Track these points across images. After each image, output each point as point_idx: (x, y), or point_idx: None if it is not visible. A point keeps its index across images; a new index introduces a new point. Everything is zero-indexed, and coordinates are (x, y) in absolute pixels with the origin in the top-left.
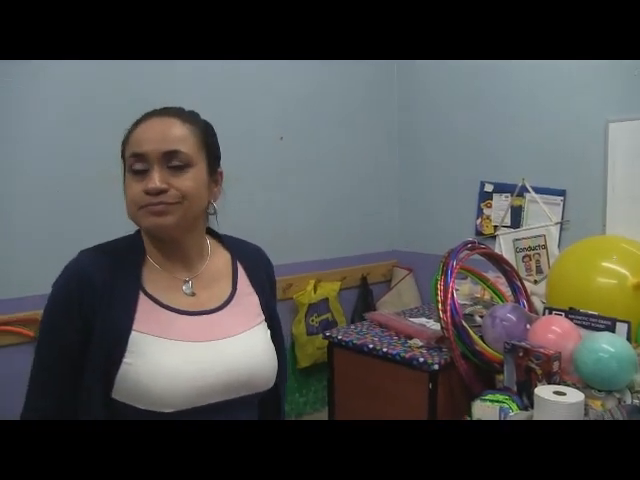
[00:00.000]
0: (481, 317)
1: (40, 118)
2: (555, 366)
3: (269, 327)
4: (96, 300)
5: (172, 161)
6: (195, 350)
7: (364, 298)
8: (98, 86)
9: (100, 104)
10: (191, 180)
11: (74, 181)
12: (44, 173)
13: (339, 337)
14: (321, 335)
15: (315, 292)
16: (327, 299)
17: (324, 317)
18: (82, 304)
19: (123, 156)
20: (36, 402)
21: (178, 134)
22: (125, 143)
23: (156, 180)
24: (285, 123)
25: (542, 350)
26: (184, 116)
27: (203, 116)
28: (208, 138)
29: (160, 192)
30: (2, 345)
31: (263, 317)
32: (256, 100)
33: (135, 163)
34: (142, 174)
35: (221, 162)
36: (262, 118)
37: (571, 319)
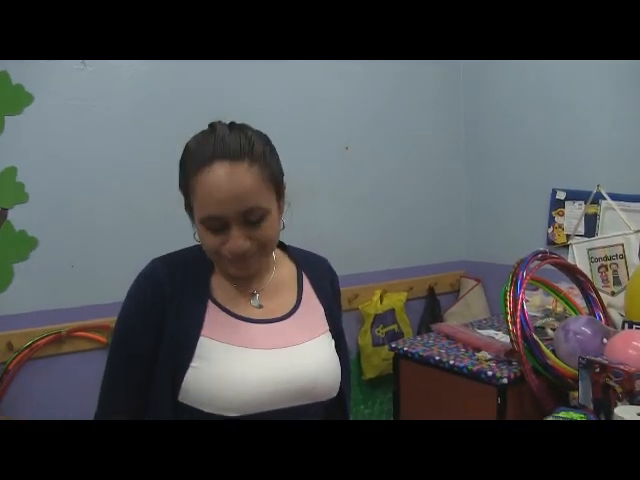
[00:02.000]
0: (553, 330)
1: (116, 133)
2: (638, 385)
3: (333, 337)
4: (167, 307)
5: (250, 217)
6: (260, 357)
7: (431, 309)
8: (173, 97)
9: (174, 120)
10: (270, 228)
11: (148, 195)
12: (120, 188)
13: (405, 348)
14: (387, 346)
15: (381, 302)
16: (393, 310)
17: (390, 328)
18: (155, 311)
19: (185, 192)
20: (108, 406)
21: (249, 186)
22: (188, 183)
23: (238, 241)
24: (351, 133)
25: (622, 367)
26: (248, 153)
27: (269, 127)
28: (273, 168)
29: (244, 252)
30: (78, 350)
31: (327, 327)
32: (322, 110)
33: (211, 223)
34: (219, 228)
35: (290, 174)
36: (328, 128)
37: None
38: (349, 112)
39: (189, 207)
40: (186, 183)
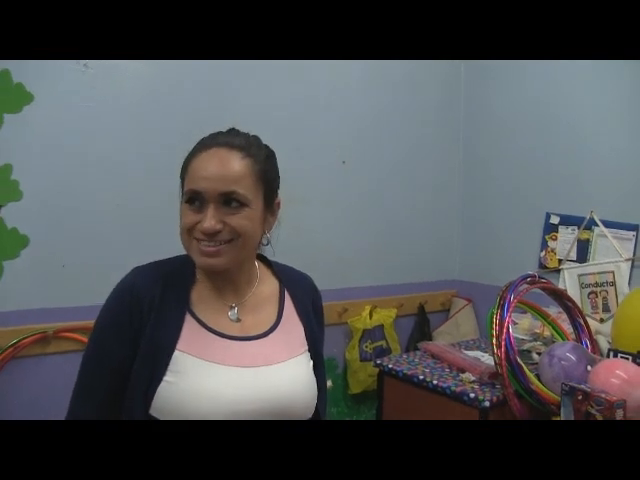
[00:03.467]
0: (539, 354)
1: (112, 135)
2: (618, 414)
3: (312, 358)
4: (144, 319)
5: (228, 201)
6: (236, 375)
7: (421, 327)
8: (171, 100)
9: (168, 124)
10: (246, 219)
11: (144, 198)
12: (116, 191)
13: (390, 366)
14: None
15: (371, 318)
16: (382, 326)
17: (378, 344)
18: (132, 322)
19: (183, 177)
20: (78, 410)
21: (236, 172)
22: (186, 167)
23: (212, 220)
24: (348, 146)
25: (604, 395)
26: (246, 148)
27: (268, 140)
28: (267, 171)
29: (214, 232)
30: (64, 351)
31: (307, 347)
32: (319, 124)
33: (192, 198)
34: (198, 206)
35: (289, 185)
36: (325, 142)
37: (639, 364)
38: (346, 126)
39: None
40: (184, 168)
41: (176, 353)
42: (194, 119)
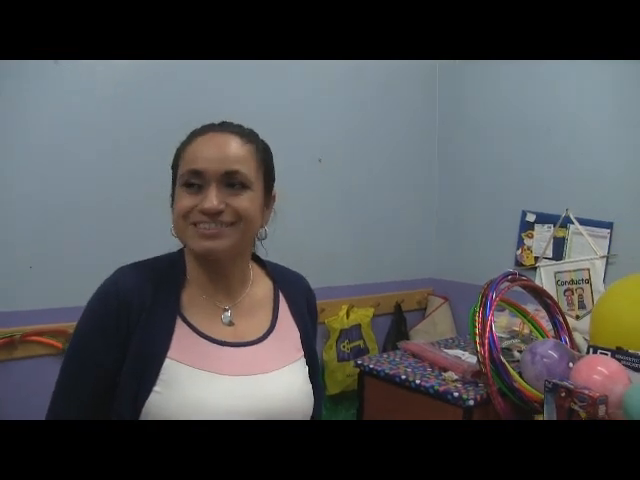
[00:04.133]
0: (520, 352)
1: (92, 138)
2: (601, 410)
3: (307, 363)
4: (132, 322)
5: (231, 181)
6: (230, 385)
7: (398, 326)
8: (147, 98)
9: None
10: (248, 201)
11: (116, 197)
12: (87, 189)
13: (371, 366)
14: (352, 362)
15: (348, 317)
16: (360, 325)
17: (356, 344)
18: (119, 327)
19: (174, 167)
20: (59, 415)
21: (239, 153)
22: (179, 155)
23: (214, 199)
24: (324, 145)
25: (587, 392)
26: (244, 135)
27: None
28: (266, 160)
29: (217, 212)
30: (31, 355)
31: (303, 352)
32: (295, 122)
33: (191, 178)
34: (197, 189)
35: None
36: (301, 139)
37: (619, 360)
38: (323, 124)
39: (174, 182)
40: (177, 156)
41: (167, 361)
42: (171, 116)
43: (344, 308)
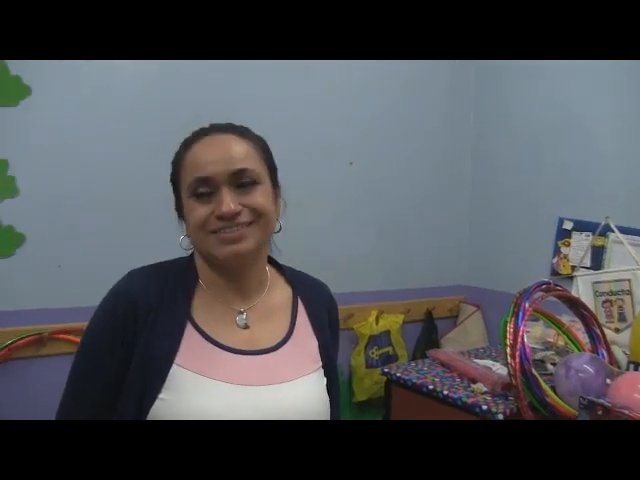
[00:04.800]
0: (553, 365)
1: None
2: None
3: (325, 375)
4: (140, 326)
5: (241, 180)
6: (240, 395)
7: (428, 333)
8: (171, 97)
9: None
10: (262, 196)
11: (142, 197)
12: (113, 189)
13: (398, 374)
14: (380, 369)
15: (377, 324)
16: (389, 332)
17: (385, 350)
18: (125, 330)
19: (174, 180)
20: (69, 414)
21: (241, 151)
22: (179, 165)
23: (229, 203)
24: (355, 148)
25: (627, 412)
26: (239, 131)
27: (271, 141)
28: (267, 152)
29: (235, 215)
30: (59, 353)
31: (320, 364)
32: (327, 125)
33: (199, 187)
34: (208, 197)
35: (295, 188)
36: (332, 143)
37: None
38: (354, 126)
39: (178, 195)
40: (176, 167)
41: (174, 368)
42: (193, 116)
43: (373, 314)
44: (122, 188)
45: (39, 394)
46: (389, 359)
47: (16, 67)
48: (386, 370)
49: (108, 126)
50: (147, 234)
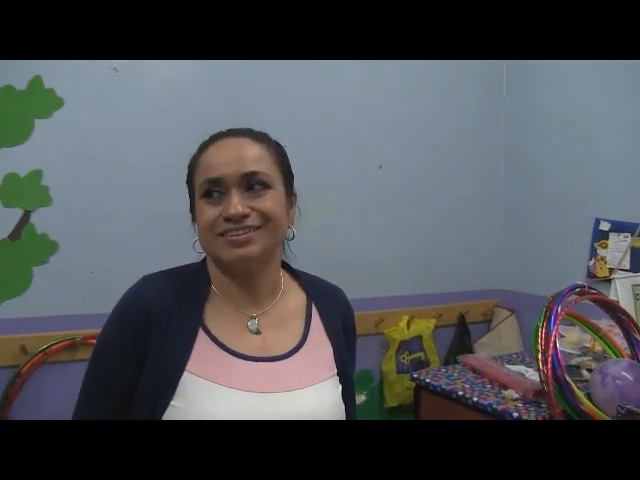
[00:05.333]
0: (589, 371)
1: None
2: None
3: (341, 382)
4: (152, 332)
5: (250, 183)
6: (250, 402)
7: (461, 338)
8: (202, 105)
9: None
10: (272, 201)
11: (173, 205)
12: (146, 197)
13: (427, 380)
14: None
15: (408, 328)
16: (421, 337)
17: (416, 356)
18: (137, 336)
19: (189, 182)
20: (82, 417)
21: (254, 154)
22: (193, 168)
23: (237, 205)
24: (385, 150)
25: None
26: (255, 135)
27: (300, 143)
28: (282, 157)
29: (242, 217)
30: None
31: (335, 371)
32: (354, 127)
33: (209, 187)
34: (218, 199)
35: (324, 191)
36: (361, 146)
37: None
38: (383, 129)
39: (192, 200)
40: (191, 170)
41: (185, 375)
42: (224, 121)
43: (405, 318)
44: (153, 196)
45: (72, 397)
46: (420, 364)
47: (50, 81)
48: (415, 375)
49: (139, 135)
50: (177, 241)
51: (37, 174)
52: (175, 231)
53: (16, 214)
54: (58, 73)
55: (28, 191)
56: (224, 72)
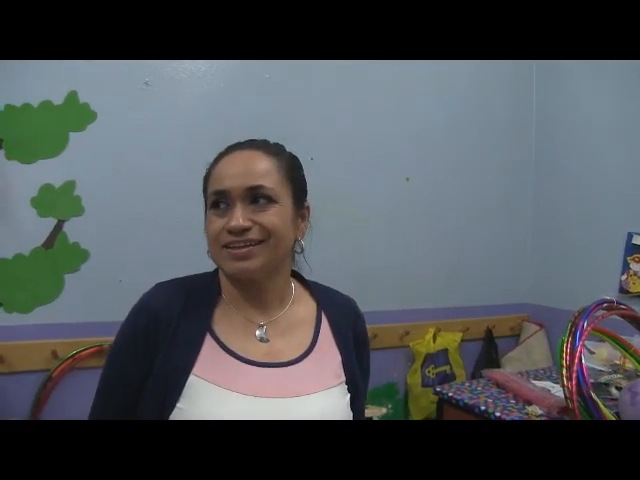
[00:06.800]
0: (619, 389)
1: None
2: None
3: (349, 391)
4: (161, 337)
5: (256, 197)
6: (255, 406)
7: (488, 352)
8: (232, 118)
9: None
10: (276, 216)
11: (199, 218)
12: (175, 208)
13: (450, 394)
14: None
15: (434, 341)
16: (447, 350)
17: (442, 369)
18: (147, 342)
19: (205, 191)
20: (96, 417)
21: (261, 168)
22: (207, 179)
23: (239, 217)
24: (412, 163)
25: None
26: (268, 148)
27: (327, 156)
28: (294, 171)
29: (244, 230)
30: None
31: (343, 379)
32: (381, 138)
33: (217, 199)
34: (224, 210)
35: (350, 202)
36: (389, 159)
37: None
38: (410, 141)
39: (206, 209)
40: (206, 179)
41: (191, 378)
42: (254, 132)
43: (430, 331)
44: (181, 207)
45: None
46: (446, 378)
47: (85, 95)
48: (438, 389)
49: (168, 147)
50: (204, 252)
51: (70, 185)
52: (203, 241)
53: (50, 223)
54: (92, 88)
55: (62, 201)
56: (251, 88)
